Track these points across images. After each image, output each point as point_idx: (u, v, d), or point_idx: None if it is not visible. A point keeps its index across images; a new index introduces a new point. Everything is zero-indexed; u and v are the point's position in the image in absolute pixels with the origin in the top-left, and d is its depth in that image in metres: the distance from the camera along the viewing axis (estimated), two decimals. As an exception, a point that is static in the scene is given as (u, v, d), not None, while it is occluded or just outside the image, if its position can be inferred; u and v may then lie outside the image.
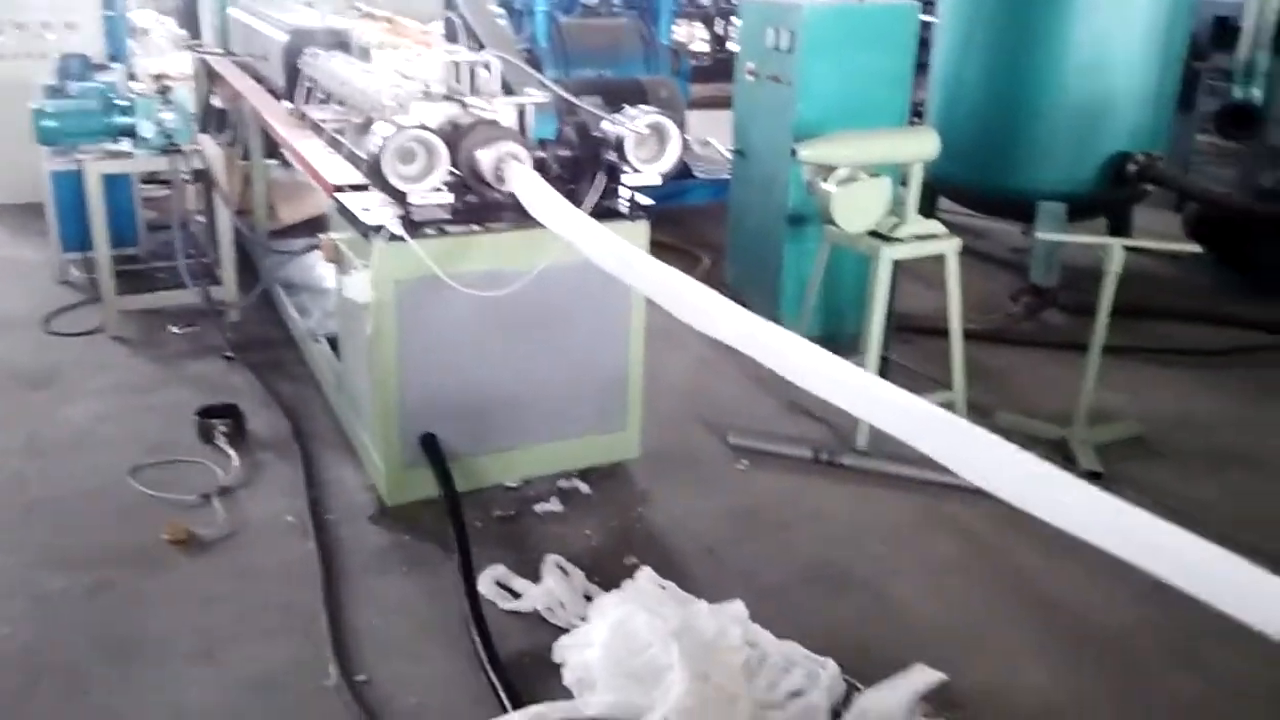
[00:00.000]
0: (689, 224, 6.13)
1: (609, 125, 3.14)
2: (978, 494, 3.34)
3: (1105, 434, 3.86)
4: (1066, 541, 3.07)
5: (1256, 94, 5.95)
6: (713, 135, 6.78)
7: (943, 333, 4.02)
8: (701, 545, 3.21)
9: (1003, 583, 3.09)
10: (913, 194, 3.89)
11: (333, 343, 3.85)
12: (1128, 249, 3.79)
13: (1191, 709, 2.58)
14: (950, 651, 2.70)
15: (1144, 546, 1.57)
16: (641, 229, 3.19)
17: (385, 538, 3.18)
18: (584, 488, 3.46)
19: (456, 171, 2.98)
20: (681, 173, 6.15)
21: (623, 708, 2.37)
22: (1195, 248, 4.47)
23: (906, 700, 2.43)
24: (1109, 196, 5.41)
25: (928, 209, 5.28)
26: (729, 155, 5.36)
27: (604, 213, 3.06)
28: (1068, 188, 5.22)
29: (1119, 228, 5.47)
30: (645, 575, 2.85)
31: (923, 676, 2.52)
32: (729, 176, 5.31)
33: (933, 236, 3.89)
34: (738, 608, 2.68)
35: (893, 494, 3.54)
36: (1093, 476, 3.49)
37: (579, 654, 2.54)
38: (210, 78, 5.64)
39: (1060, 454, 3.70)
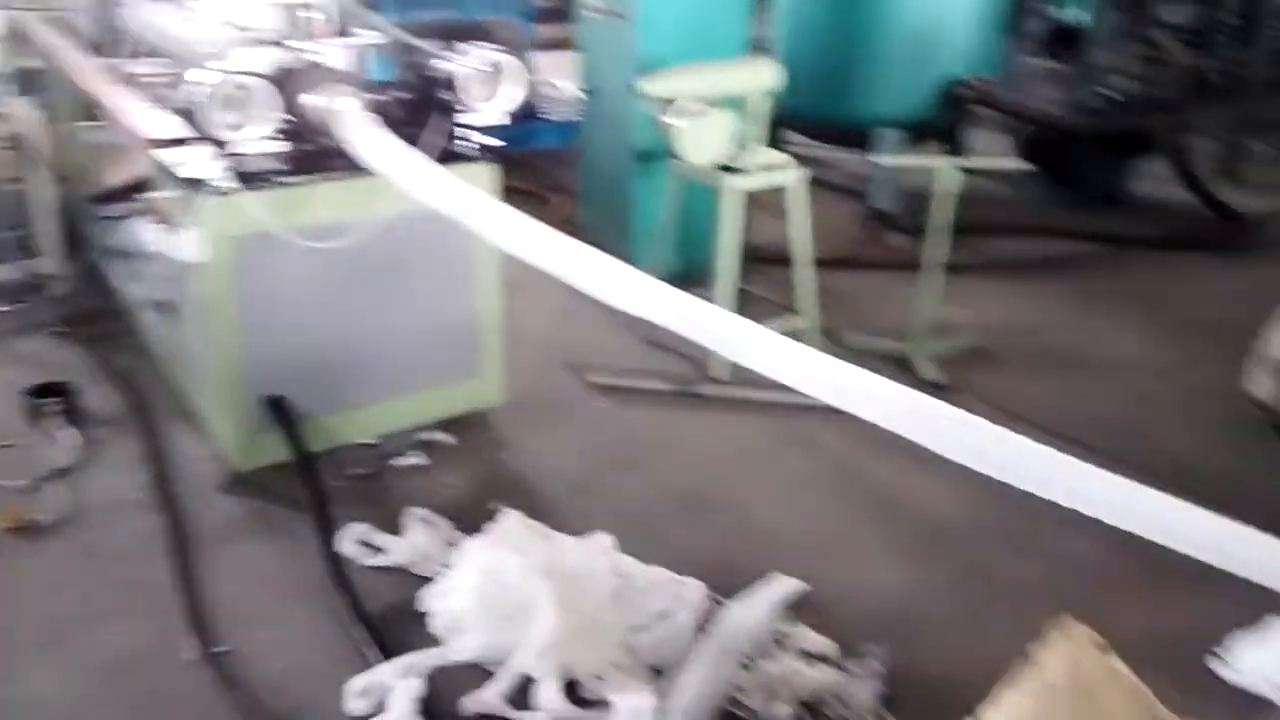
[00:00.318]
0: (541, 168, 6.06)
1: (445, 64, 3.06)
2: (829, 412, 3.53)
3: (946, 347, 4.05)
4: (911, 452, 3.23)
5: (1079, 15, 6.22)
6: (560, 76, 6.69)
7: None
8: (567, 484, 3.23)
9: (855, 493, 3.24)
10: (756, 125, 3.94)
11: (167, 309, 3.67)
12: (961, 170, 3.94)
13: (1032, 592, 2.75)
14: (810, 560, 2.82)
15: (979, 451, 1.68)
16: (488, 172, 3.14)
17: (238, 506, 3.07)
18: (445, 439, 3.43)
19: (289, 119, 2.86)
20: (530, 116, 6.06)
21: (494, 648, 2.39)
22: (1023, 164, 4.69)
23: (767, 609, 2.52)
24: (945, 121, 5.60)
25: (773, 141, 5.38)
26: (576, 96, 5.31)
27: (448, 156, 2.99)
28: (905, 114, 5.38)
29: (955, 151, 5.68)
30: (510, 517, 2.85)
31: (782, 586, 2.62)
32: (578, 118, 5.27)
33: (779, 167, 3.96)
34: (604, 540, 2.72)
35: (750, 419, 3.63)
36: (935, 387, 3.66)
37: (447, 600, 2.53)
38: (19, 36, 5.22)
39: (904, 368, 3.86)
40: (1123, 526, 1.53)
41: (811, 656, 2.47)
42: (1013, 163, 4.95)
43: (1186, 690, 2.09)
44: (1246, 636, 1.15)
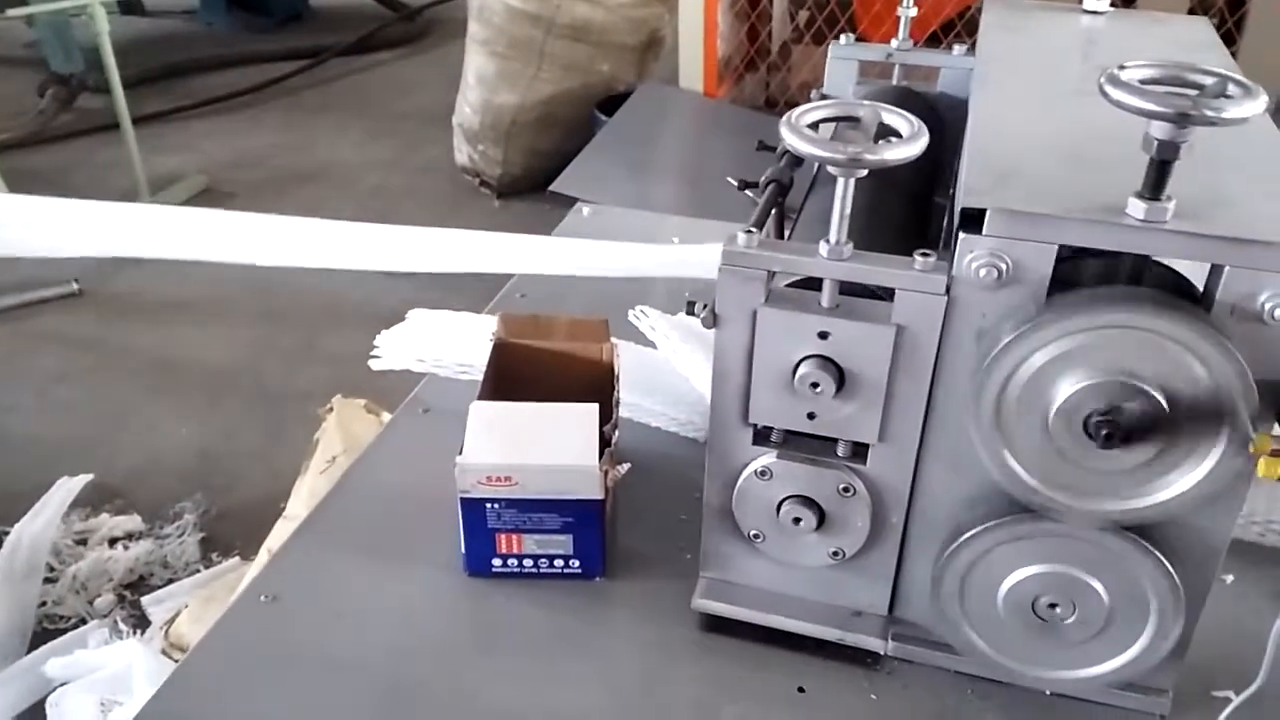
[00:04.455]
0: None
1: None
2: (69, 299, 3.27)
3: (173, 196, 3.88)
4: (175, 314, 3.12)
5: None
6: None
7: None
8: None
9: (123, 370, 3.05)
10: None
11: None
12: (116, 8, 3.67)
13: (317, 394, 2.84)
14: (94, 452, 2.64)
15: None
16: None
17: None
18: None
19: None
20: None
21: None
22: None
23: (54, 515, 2.32)
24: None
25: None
26: None
27: None
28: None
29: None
30: None
31: (66, 486, 2.42)
32: None
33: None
34: None
35: (-24, 335, 3.18)
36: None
37: None
38: None
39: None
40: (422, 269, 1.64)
41: (120, 539, 2.36)
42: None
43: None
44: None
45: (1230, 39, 3.63)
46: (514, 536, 0.91)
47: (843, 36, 1.17)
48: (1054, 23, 1.05)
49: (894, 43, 1.15)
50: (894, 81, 1.17)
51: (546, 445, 0.89)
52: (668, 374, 1.16)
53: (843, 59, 1.17)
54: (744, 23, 3.89)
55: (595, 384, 1.00)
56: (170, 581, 2.27)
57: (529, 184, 3.99)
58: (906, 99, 1.09)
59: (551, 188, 3.21)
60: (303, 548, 0.97)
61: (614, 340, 1.05)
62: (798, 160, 1.01)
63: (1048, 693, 0.83)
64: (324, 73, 5.24)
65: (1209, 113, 0.60)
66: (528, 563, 0.93)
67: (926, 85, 1.19)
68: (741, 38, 3.92)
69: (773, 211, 0.95)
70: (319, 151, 4.46)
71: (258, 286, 3.26)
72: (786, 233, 0.97)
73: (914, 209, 1.00)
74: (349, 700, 0.84)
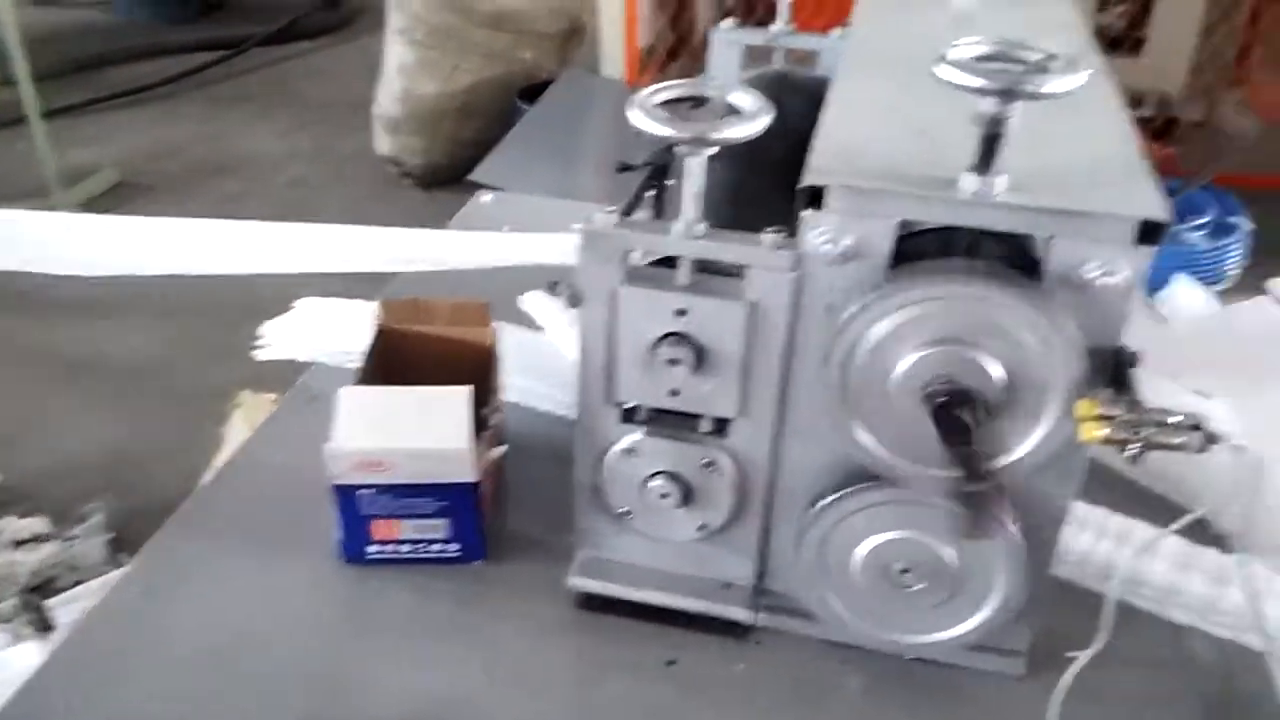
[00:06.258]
0: None
1: None
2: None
3: (83, 191, 3.79)
4: (92, 309, 3.02)
5: None
6: None
7: None
8: None
9: (36, 369, 2.98)
10: None
11: None
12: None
13: (225, 391, 2.84)
14: (-1, 454, 2.58)
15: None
16: None
17: None
18: None
19: None
20: None
21: None
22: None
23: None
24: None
25: None
26: None
27: None
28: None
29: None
30: None
31: (-33, 489, 2.36)
32: None
33: None
34: None
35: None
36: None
37: None
38: None
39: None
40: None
41: (26, 542, 2.30)
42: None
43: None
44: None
45: (1138, 23, 3.74)
46: (389, 522, 0.91)
47: (724, 21, 1.18)
48: (927, 6, 1.07)
49: (774, 27, 1.16)
50: (775, 65, 1.18)
51: (417, 428, 0.89)
52: (554, 358, 1.17)
53: (727, 43, 1.19)
54: (667, 11, 3.90)
55: (478, 368, 1.00)
56: (78, 584, 2.22)
57: (452, 174, 3.95)
58: (783, 82, 1.11)
59: (470, 176, 3.19)
60: (177, 536, 0.96)
61: (498, 324, 1.06)
62: (677, 143, 1.02)
63: (907, 657, 0.85)
64: (244, 63, 5.14)
65: (1029, 87, 0.62)
66: (405, 548, 0.93)
67: (809, 70, 1.20)
68: (664, 26, 3.93)
69: (649, 194, 0.96)
70: (238, 143, 4.37)
71: (169, 282, 3.17)
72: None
73: (788, 190, 1.01)
74: (220, 689, 0.83)
